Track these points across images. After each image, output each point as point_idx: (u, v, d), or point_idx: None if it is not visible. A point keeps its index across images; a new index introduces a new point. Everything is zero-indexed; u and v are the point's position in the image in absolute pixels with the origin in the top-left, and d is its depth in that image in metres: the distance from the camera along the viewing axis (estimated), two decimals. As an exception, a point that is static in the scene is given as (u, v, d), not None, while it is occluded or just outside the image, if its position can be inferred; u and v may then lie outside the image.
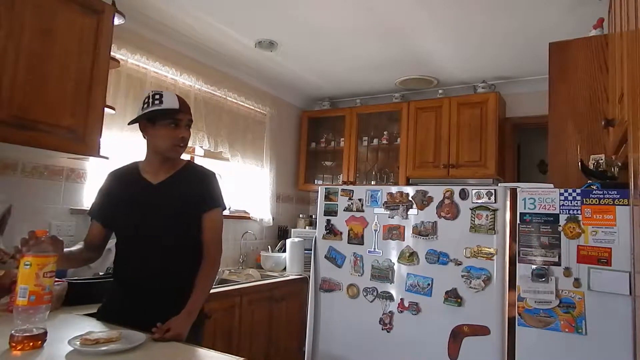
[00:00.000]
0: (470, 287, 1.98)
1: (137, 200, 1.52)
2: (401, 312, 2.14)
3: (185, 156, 1.66)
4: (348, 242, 2.36)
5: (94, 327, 1.34)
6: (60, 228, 2.27)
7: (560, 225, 1.79)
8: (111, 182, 1.60)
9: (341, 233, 2.39)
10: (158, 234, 1.50)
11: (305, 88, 4.02)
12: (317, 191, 2.57)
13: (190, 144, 2.83)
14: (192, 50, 3.07)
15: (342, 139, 3.98)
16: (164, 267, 1.49)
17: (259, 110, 3.71)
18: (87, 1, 2.03)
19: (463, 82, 3.61)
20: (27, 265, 1.14)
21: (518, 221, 1.89)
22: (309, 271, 2.48)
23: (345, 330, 2.29)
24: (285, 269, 3.39)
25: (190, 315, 1.40)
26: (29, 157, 2.15)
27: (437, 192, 2.14)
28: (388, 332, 2.16)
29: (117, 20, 2.22)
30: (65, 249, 1.37)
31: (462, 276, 2.01)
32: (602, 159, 1.90)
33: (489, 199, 2.00)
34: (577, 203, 1.77)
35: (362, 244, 2.31)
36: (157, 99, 1.49)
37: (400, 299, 2.15)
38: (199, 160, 3.17)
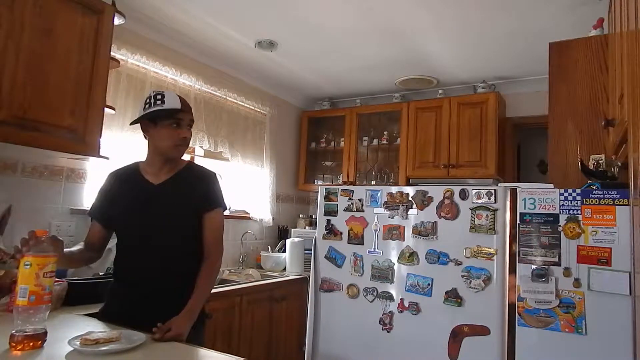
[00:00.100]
0: (470, 287, 1.98)
1: (139, 201, 1.52)
2: (401, 312, 2.14)
3: (185, 156, 1.66)
4: (348, 242, 2.36)
5: (94, 327, 1.34)
6: (60, 228, 2.27)
7: (560, 225, 1.79)
8: (112, 182, 1.60)
9: (341, 233, 2.39)
10: (159, 234, 1.50)
11: (305, 88, 4.02)
12: (317, 191, 2.57)
13: (190, 144, 2.83)
14: (192, 50, 3.07)
15: (342, 139, 3.98)
16: (165, 267, 1.49)
17: (259, 110, 3.71)
18: (87, 1, 2.03)
19: (463, 82, 3.61)
20: (27, 265, 1.14)
21: (518, 221, 1.89)
22: (309, 271, 2.48)
23: (345, 330, 2.29)
24: (285, 269, 3.39)
25: (190, 315, 1.40)
26: (29, 157, 2.15)
27: (437, 192, 2.14)
28: (388, 332, 2.16)
29: (117, 20, 2.22)
30: (65, 249, 1.37)
31: (462, 276, 2.01)
32: (602, 159, 1.90)
33: (489, 199, 2.00)
34: (577, 203, 1.77)
35: (362, 244, 2.31)
36: (158, 99, 1.49)
37: (400, 299, 2.15)
38: (199, 160, 3.17)
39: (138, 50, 2.66)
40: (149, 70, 2.75)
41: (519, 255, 1.87)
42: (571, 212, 1.77)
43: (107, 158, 2.16)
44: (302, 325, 2.78)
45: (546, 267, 1.79)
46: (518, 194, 1.91)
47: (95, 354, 1.12)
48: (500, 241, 1.96)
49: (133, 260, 1.52)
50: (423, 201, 2.17)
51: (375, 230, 2.28)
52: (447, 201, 2.10)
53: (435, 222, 2.12)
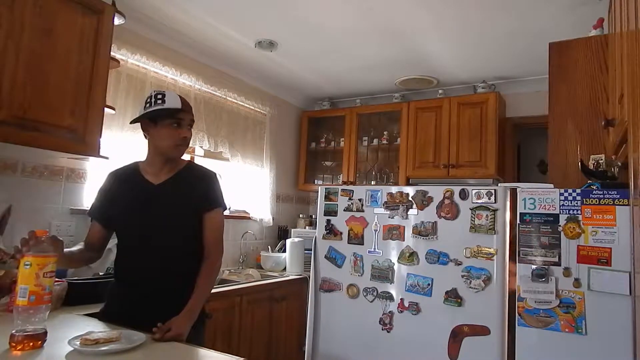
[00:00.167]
0: (470, 287, 1.98)
1: (139, 201, 1.52)
2: (401, 312, 2.14)
3: (185, 156, 1.66)
4: (348, 242, 2.36)
5: (94, 327, 1.34)
6: (60, 228, 2.27)
7: (560, 225, 1.79)
8: (112, 182, 1.60)
9: (341, 233, 2.39)
10: (159, 234, 1.50)
11: (305, 88, 4.02)
12: (317, 191, 2.57)
13: (190, 144, 2.83)
14: (192, 50, 3.07)
15: (342, 139, 3.98)
16: (165, 267, 1.49)
17: (259, 110, 3.71)
18: (87, 1, 2.03)
19: (463, 82, 3.61)
20: (27, 265, 1.14)
21: (518, 221, 1.89)
22: (309, 271, 2.48)
23: (345, 330, 2.29)
24: (285, 269, 3.39)
25: (190, 315, 1.40)
26: (29, 157, 2.15)
27: (437, 192, 2.14)
28: (388, 332, 2.16)
29: (117, 20, 2.22)
30: (65, 249, 1.37)
31: (462, 276, 2.01)
32: (602, 159, 1.90)
33: (489, 199, 2.00)
34: (577, 203, 1.77)
35: (362, 244, 2.31)
36: (159, 99, 1.49)
37: (400, 299, 2.15)
38: (199, 160, 3.17)
39: (138, 50, 2.66)
40: (149, 70, 2.75)
41: (519, 255, 1.87)
42: (571, 212, 1.77)
43: (107, 158, 2.16)
44: (302, 325, 2.78)
45: (546, 267, 1.79)
46: (518, 194, 1.91)
47: (95, 354, 1.12)
48: (500, 241, 1.96)
49: (133, 260, 1.52)
50: (423, 201, 2.17)
51: (375, 230, 2.28)
52: (447, 201, 2.10)
53: (435, 222, 2.12)
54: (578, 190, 1.78)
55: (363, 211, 2.34)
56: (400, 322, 2.14)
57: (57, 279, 1.56)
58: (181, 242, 1.53)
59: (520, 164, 3.85)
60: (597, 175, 1.85)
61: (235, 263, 3.38)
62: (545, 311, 1.77)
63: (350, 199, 2.39)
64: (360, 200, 2.36)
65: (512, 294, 1.89)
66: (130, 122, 1.59)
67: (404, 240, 2.19)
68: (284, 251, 3.45)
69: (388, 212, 2.26)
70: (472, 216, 2.03)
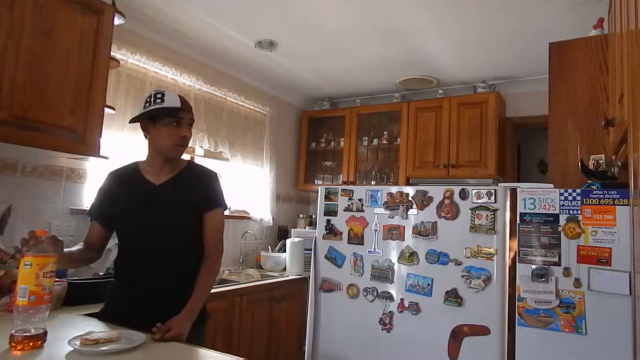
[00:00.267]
0: (470, 287, 1.98)
1: (140, 201, 1.52)
2: (401, 312, 2.14)
3: (185, 156, 1.66)
4: (348, 242, 2.36)
5: (94, 327, 1.34)
6: (60, 228, 2.27)
7: (560, 225, 1.79)
8: (112, 182, 1.60)
9: (341, 233, 2.39)
10: (161, 234, 1.50)
11: (305, 88, 4.02)
12: (317, 191, 2.57)
13: (190, 144, 2.84)
14: (192, 50, 3.07)
15: (342, 139, 3.98)
16: (166, 267, 1.49)
17: (259, 110, 3.71)
18: (87, 1, 2.03)
19: (463, 82, 3.61)
20: (27, 265, 1.14)
21: (518, 221, 1.89)
22: (309, 271, 2.48)
23: (345, 330, 2.29)
24: (285, 269, 3.39)
25: (191, 315, 1.40)
26: (29, 157, 2.15)
27: (437, 192, 2.14)
28: (388, 332, 2.16)
29: (117, 20, 2.22)
30: (65, 249, 1.37)
31: (462, 276, 2.01)
32: (602, 159, 1.90)
33: (489, 199, 2.00)
34: (577, 203, 1.76)
35: (362, 244, 2.31)
36: (159, 98, 1.49)
37: (400, 299, 2.15)
38: (199, 160, 3.17)
39: (138, 50, 2.66)
40: (149, 70, 2.75)
41: (519, 255, 1.87)
42: (571, 212, 1.77)
43: (107, 158, 2.16)
44: (302, 325, 2.78)
45: (546, 267, 1.79)
46: (518, 194, 1.91)
47: (95, 354, 1.12)
48: (500, 241, 1.96)
49: (134, 260, 1.52)
50: (423, 201, 2.17)
51: (375, 230, 2.28)
52: (447, 201, 2.10)
53: (435, 222, 2.12)
54: (578, 190, 1.78)
55: (363, 211, 2.34)
56: (400, 322, 2.14)
57: (57, 279, 1.56)
58: (181, 242, 1.53)
59: (520, 164, 3.85)
60: (597, 175, 1.85)
61: (235, 263, 3.38)
62: (545, 311, 1.77)
63: (350, 199, 2.39)
64: (360, 200, 2.36)
65: (512, 294, 1.89)
66: (130, 121, 1.58)
67: (404, 240, 2.19)
68: (284, 251, 3.45)
69: (388, 212, 2.26)
70: (472, 216, 2.03)
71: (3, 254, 1.71)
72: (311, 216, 4.14)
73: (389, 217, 2.25)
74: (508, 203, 1.97)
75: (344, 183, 3.83)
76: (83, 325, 1.39)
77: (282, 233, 3.89)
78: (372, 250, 2.28)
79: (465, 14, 2.46)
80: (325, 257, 2.42)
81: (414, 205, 2.19)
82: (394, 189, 2.27)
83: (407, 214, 2.20)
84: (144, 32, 2.73)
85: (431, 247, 2.11)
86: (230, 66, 3.39)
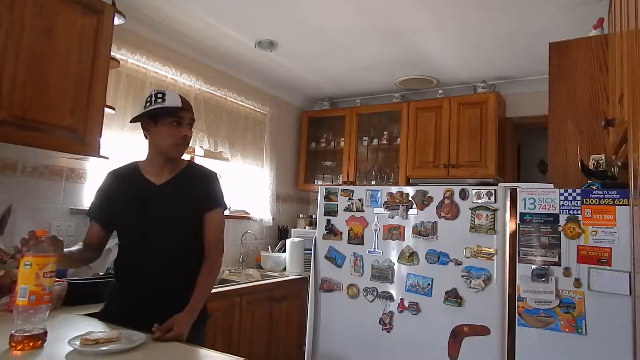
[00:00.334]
0: (470, 287, 1.98)
1: (141, 201, 1.52)
2: (401, 312, 2.14)
3: (185, 156, 1.66)
4: (348, 242, 2.36)
5: (94, 327, 1.34)
6: (60, 228, 2.27)
7: (560, 225, 1.79)
8: (111, 182, 1.59)
9: (341, 233, 2.39)
10: (161, 234, 1.50)
11: (305, 88, 4.02)
12: (317, 191, 2.57)
13: (190, 143, 2.84)
14: (192, 50, 3.07)
15: (342, 139, 3.98)
16: (166, 267, 1.49)
17: (259, 110, 3.71)
18: (87, 1, 2.03)
19: (463, 82, 3.61)
20: (27, 265, 1.14)
21: (518, 221, 1.89)
22: (309, 271, 2.48)
23: (345, 330, 2.29)
24: (285, 269, 3.39)
25: (191, 315, 1.40)
26: (29, 157, 2.15)
27: (437, 192, 2.14)
28: (388, 332, 2.16)
29: (117, 20, 2.22)
30: (65, 249, 1.37)
31: (462, 276, 2.01)
32: (602, 159, 1.90)
33: (489, 199, 2.00)
34: (577, 203, 1.76)
35: (362, 244, 2.31)
36: (159, 97, 1.49)
37: (400, 299, 2.15)
38: (199, 160, 3.17)
39: (138, 50, 2.66)
40: (149, 70, 2.75)
41: (519, 255, 1.87)
42: (571, 212, 1.77)
43: (107, 158, 2.16)
44: (302, 325, 2.78)
45: (546, 267, 1.79)
46: (518, 194, 1.91)
47: (95, 354, 1.12)
48: (500, 241, 1.96)
49: (134, 260, 1.52)
50: (423, 201, 2.16)
51: (375, 230, 2.28)
52: (447, 201, 2.10)
53: (435, 222, 2.12)
54: (578, 190, 1.78)
55: (363, 211, 2.34)
56: (400, 322, 2.14)
57: (57, 279, 1.56)
58: (181, 242, 1.53)
59: (520, 164, 3.85)
60: (597, 175, 1.85)
61: (235, 263, 3.38)
62: (545, 311, 1.77)
63: (350, 199, 2.39)
64: (360, 200, 2.36)
65: (512, 294, 1.89)
66: (131, 121, 1.58)
67: (404, 240, 2.19)
68: (284, 251, 3.45)
69: (388, 212, 2.26)
70: (472, 216, 2.03)
71: (3, 254, 1.71)
72: (311, 216, 4.14)
73: (389, 217, 2.25)
74: (508, 203, 1.96)
75: (344, 183, 3.83)
76: (83, 325, 1.39)
77: (282, 233, 3.89)
78: (372, 250, 2.28)
79: (465, 14, 2.46)
80: (325, 257, 2.42)
81: (414, 205, 2.19)
82: (394, 189, 2.27)
83: (407, 214, 2.20)
84: (144, 32, 2.73)
85: (431, 247, 2.11)
86: (230, 66, 3.39)
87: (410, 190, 2.22)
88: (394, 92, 3.91)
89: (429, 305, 2.08)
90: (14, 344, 1.10)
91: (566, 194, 1.80)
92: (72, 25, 1.97)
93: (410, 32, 2.74)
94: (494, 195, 2.00)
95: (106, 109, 2.18)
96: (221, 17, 2.66)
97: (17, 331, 1.11)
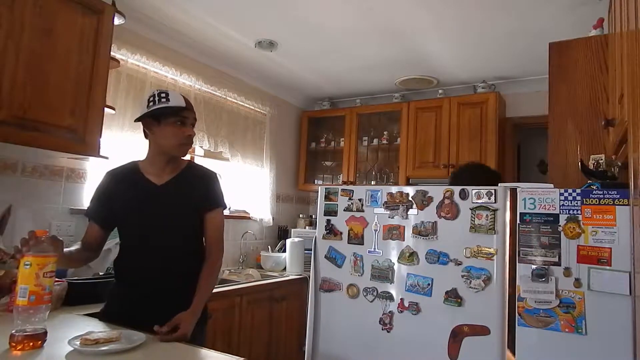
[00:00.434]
0: (470, 287, 1.98)
1: (142, 201, 1.52)
2: (401, 312, 2.14)
3: (185, 156, 1.65)
4: (348, 242, 2.36)
5: (94, 327, 1.34)
6: (60, 228, 2.27)
7: (560, 225, 1.79)
8: (110, 182, 1.59)
9: (341, 233, 2.39)
10: (162, 234, 1.50)
11: (305, 88, 4.02)
12: (317, 191, 2.57)
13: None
14: (192, 50, 3.07)
15: (342, 139, 3.98)
16: (167, 267, 1.49)
17: (259, 110, 3.71)
18: (87, 1, 2.03)
19: (463, 82, 3.61)
20: (27, 265, 1.14)
21: (518, 221, 1.88)
22: (309, 271, 2.48)
23: (345, 330, 2.29)
24: (285, 269, 3.39)
25: (195, 315, 1.41)
26: (29, 157, 2.15)
27: (437, 192, 2.14)
28: (388, 332, 2.16)
29: (117, 20, 2.22)
30: (65, 249, 1.37)
31: (462, 276, 2.01)
32: (602, 159, 1.90)
33: (489, 199, 2.00)
34: (577, 203, 1.76)
35: (362, 244, 2.31)
36: (163, 97, 1.48)
37: (400, 299, 2.15)
38: (199, 160, 3.18)
39: (138, 50, 2.66)
40: (149, 70, 2.75)
41: (519, 255, 1.86)
42: (571, 212, 1.77)
43: (107, 158, 2.17)
44: (302, 325, 2.78)
45: (546, 267, 1.79)
46: (518, 193, 1.91)
47: (95, 354, 1.12)
48: (500, 241, 1.96)
49: (134, 260, 1.52)
50: (423, 201, 2.16)
51: (375, 230, 2.28)
52: (447, 201, 2.10)
53: (435, 222, 2.11)
54: (578, 190, 1.78)
55: (363, 211, 2.34)
56: (400, 322, 2.14)
57: (57, 279, 1.56)
58: (182, 242, 1.53)
59: (520, 164, 3.85)
60: (597, 175, 1.85)
61: (235, 263, 3.38)
62: (545, 311, 1.77)
63: (350, 199, 2.39)
64: (360, 200, 2.36)
65: (512, 294, 1.89)
66: (135, 120, 1.57)
67: (404, 240, 2.19)
68: (284, 251, 3.45)
69: (388, 212, 2.25)
70: (472, 216, 2.02)
71: (3, 254, 1.71)
72: (311, 216, 4.14)
73: (389, 217, 2.25)
74: (508, 203, 1.96)
75: (344, 183, 3.83)
76: (83, 325, 1.39)
77: (282, 233, 3.89)
78: (372, 250, 2.28)
79: (465, 14, 2.46)
80: (325, 257, 2.42)
81: (414, 205, 2.19)
82: (394, 189, 2.27)
83: (407, 214, 2.20)
84: (144, 32, 2.73)
85: (431, 247, 2.11)
86: (230, 66, 3.39)
87: (410, 190, 2.22)
88: (394, 92, 3.91)
89: (429, 305, 2.08)
90: (14, 344, 1.10)
91: (566, 194, 1.79)
92: (72, 25, 1.97)
93: (410, 32, 2.74)
94: (494, 195, 1.99)
95: (106, 109, 2.18)
96: (221, 17, 2.66)
97: (17, 331, 1.11)
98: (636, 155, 1.04)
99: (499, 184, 2.05)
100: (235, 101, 3.46)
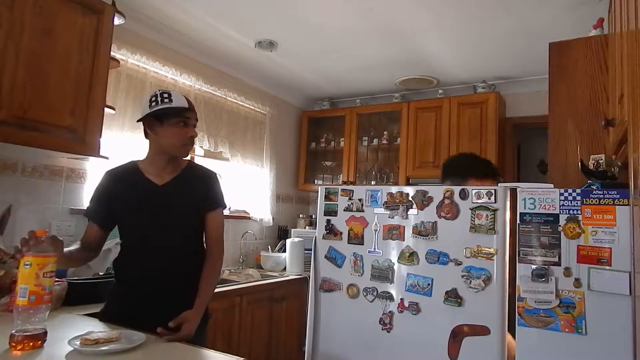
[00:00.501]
0: (470, 287, 1.98)
1: (143, 202, 1.51)
2: (401, 312, 2.14)
3: (187, 156, 1.66)
4: (348, 242, 2.36)
5: (94, 327, 1.34)
6: (60, 228, 2.27)
7: (560, 225, 1.79)
8: (111, 182, 1.58)
9: (341, 233, 2.39)
10: (163, 234, 1.50)
11: (305, 88, 4.02)
12: (317, 191, 2.57)
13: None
14: (192, 50, 3.07)
15: (342, 139, 3.98)
16: (167, 267, 1.49)
17: (259, 110, 3.71)
18: (87, 1, 2.03)
19: (463, 82, 3.61)
20: (27, 265, 1.14)
21: (518, 221, 1.88)
22: (309, 271, 2.47)
23: (345, 330, 2.29)
24: (285, 269, 3.39)
25: (199, 314, 1.43)
26: (29, 157, 2.15)
27: (437, 192, 2.14)
28: (388, 332, 2.16)
29: (117, 20, 2.22)
30: (64, 249, 1.37)
31: (462, 276, 2.01)
32: (602, 159, 1.90)
33: (489, 199, 2.00)
34: (577, 203, 1.76)
35: (362, 244, 2.31)
36: (166, 98, 1.48)
37: (400, 299, 2.15)
38: (199, 160, 3.17)
39: (138, 50, 2.66)
40: (149, 70, 2.75)
41: (519, 255, 1.86)
42: (571, 212, 1.77)
43: (107, 158, 2.16)
44: (302, 325, 2.78)
45: (546, 267, 1.79)
46: (518, 193, 1.91)
47: (95, 354, 1.12)
48: (500, 241, 1.96)
49: (135, 260, 1.52)
50: (423, 201, 2.16)
51: (375, 230, 2.28)
52: (447, 201, 2.10)
53: (435, 222, 2.11)
54: (578, 190, 1.78)
55: (363, 211, 2.34)
56: (400, 322, 2.14)
57: (57, 279, 1.56)
58: (182, 242, 1.53)
59: (520, 164, 3.85)
60: (597, 175, 1.85)
61: (235, 263, 3.38)
62: (545, 311, 1.77)
63: (350, 199, 2.39)
64: (360, 200, 2.36)
65: (512, 294, 1.89)
66: (138, 121, 1.56)
67: (404, 240, 2.19)
68: (284, 251, 3.45)
69: (388, 212, 2.25)
70: (472, 216, 2.02)
71: (3, 254, 1.71)
72: (311, 216, 4.15)
73: (389, 217, 2.25)
74: (508, 203, 1.96)
75: (344, 183, 3.84)
76: (83, 325, 1.39)
77: (282, 233, 3.89)
78: (372, 250, 2.28)
79: (466, 13, 2.46)
80: (325, 257, 2.42)
81: (414, 205, 2.19)
82: (394, 189, 2.27)
83: (407, 214, 2.20)
84: (144, 32, 2.73)
85: (431, 247, 2.11)
86: (230, 66, 3.39)
87: (410, 190, 2.22)
88: (394, 92, 3.91)
89: (429, 305, 2.08)
90: (14, 344, 1.10)
91: (566, 194, 1.79)
92: (72, 25, 1.97)
93: (410, 32, 2.74)
94: (494, 195, 1.99)
95: (106, 109, 2.18)
96: (221, 17, 2.66)
97: (17, 331, 1.11)
98: (636, 155, 1.04)
99: (499, 184, 2.05)
100: (235, 101, 3.46)
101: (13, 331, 1.12)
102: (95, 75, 2.07)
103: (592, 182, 1.82)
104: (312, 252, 2.45)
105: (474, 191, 2.04)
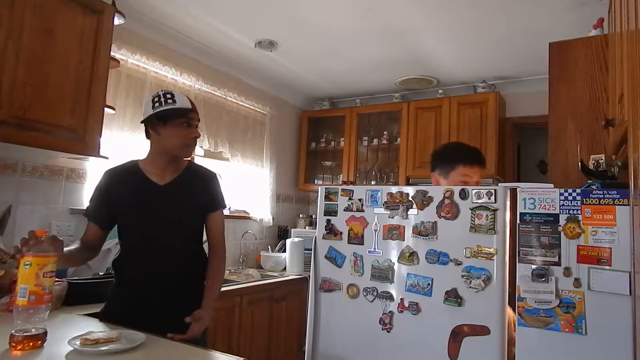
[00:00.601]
0: (470, 287, 1.98)
1: (145, 202, 1.51)
2: (401, 312, 2.14)
3: (189, 157, 1.66)
4: (348, 242, 2.36)
5: (94, 327, 1.34)
6: (60, 228, 2.27)
7: (560, 225, 1.79)
8: (111, 182, 1.57)
9: (341, 233, 2.39)
10: (164, 235, 1.50)
11: (305, 88, 4.02)
12: (317, 191, 2.57)
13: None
14: (192, 50, 3.07)
15: (342, 139, 3.98)
16: (168, 267, 1.49)
17: (259, 110, 3.71)
18: (87, 1, 2.03)
19: (463, 82, 3.61)
20: (27, 265, 1.14)
21: (518, 221, 1.88)
22: (309, 271, 2.47)
23: (345, 330, 2.29)
24: (285, 269, 3.39)
25: (210, 313, 1.46)
26: (29, 157, 2.15)
27: (437, 192, 2.14)
28: (388, 332, 2.16)
29: (117, 20, 2.22)
30: (64, 249, 1.37)
31: (462, 276, 2.01)
32: (602, 159, 1.90)
33: (489, 199, 2.00)
34: (577, 203, 1.76)
35: (362, 244, 2.31)
36: (169, 98, 1.48)
37: (400, 299, 2.15)
38: (199, 160, 3.17)
39: (138, 50, 2.66)
40: (149, 70, 2.75)
41: (519, 255, 1.86)
42: (571, 212, 1.77)
43: (107, 158, 2.16)
44: (302, 325, 2.78)
45: (546, 267, 1.79)
46: (518, 193, 1.91)
47: (95, 354, 1.12)
48: (500, 241, 1.96)
49: (136, 260, 1.52)
50: (423, 201, 2.16)
51: (375, 230, 2.28)
52: (447, 201, 2.10)
53: (435, 222, 2.11)
54: (578, 190, 1.78)
55: (363, 211, 2.34)
56: (400, 322, 2.14)
57: (57, 279, 1.56)
58: (183, 243, 1.53)
59: (520, 164, 3.86)
60: (597, 175, 1.85)
61: (235, 263, 3.38)
62: (545, 311, 1.77)
63: (350, 199, 2.39)
64: (360, 200, 2.36)
65: (512, 294, 1.89)
66: (142, 122, 1.55)
67: (404, 240, 2.19)
68: (284, 251, 3.45)
69: (388, 212, 2.25)
70: (472, 216, 2.02)
71: (3, 254, 1.71)
72: (311, 216, 4.15)
73: (389, 217, 2.25)
74: (508, 203, 1.96)
75: (344, 183, 3.84)
76: (83, 325, 1.39)
77: (282, 233, 3.89)
78: (372, 250, 2.27)
79: (466, 14, 2.46)
80: (325, 257, 2.42)
81: (414, 205, 2.19)
82: (394, 189, 2.27)
83: (407, 214, 2.20)
84: (144, 32, 2.73)
85: (431, 247, 2.11)
86: (230, 66, 3.39)
87: (410, 190, 2.22)
88: (394, 92, 3.91)
89: (429, 305, 2.08)
90: (14, 344, 1.10)
91: (566, 194, 1.79)
92: (72, 25, 1.97)
93: (410, 32, 2.74)
94: (494, 195, 1.99)
95: (106, 109, 2.18)
96: (221, 17, 2.66)
97: (17, 331, 1.11)
98: (636, 155, 1.04)
99: (499, 184, 2.05)
100: (236, 101, 3.46)
101: (13, 331, 1.12)
102: (95, 75, 2.07)
103: (592, 182, 1.82)
104: (312, 252, 2.45)
105: (474, 191, 2.04)
